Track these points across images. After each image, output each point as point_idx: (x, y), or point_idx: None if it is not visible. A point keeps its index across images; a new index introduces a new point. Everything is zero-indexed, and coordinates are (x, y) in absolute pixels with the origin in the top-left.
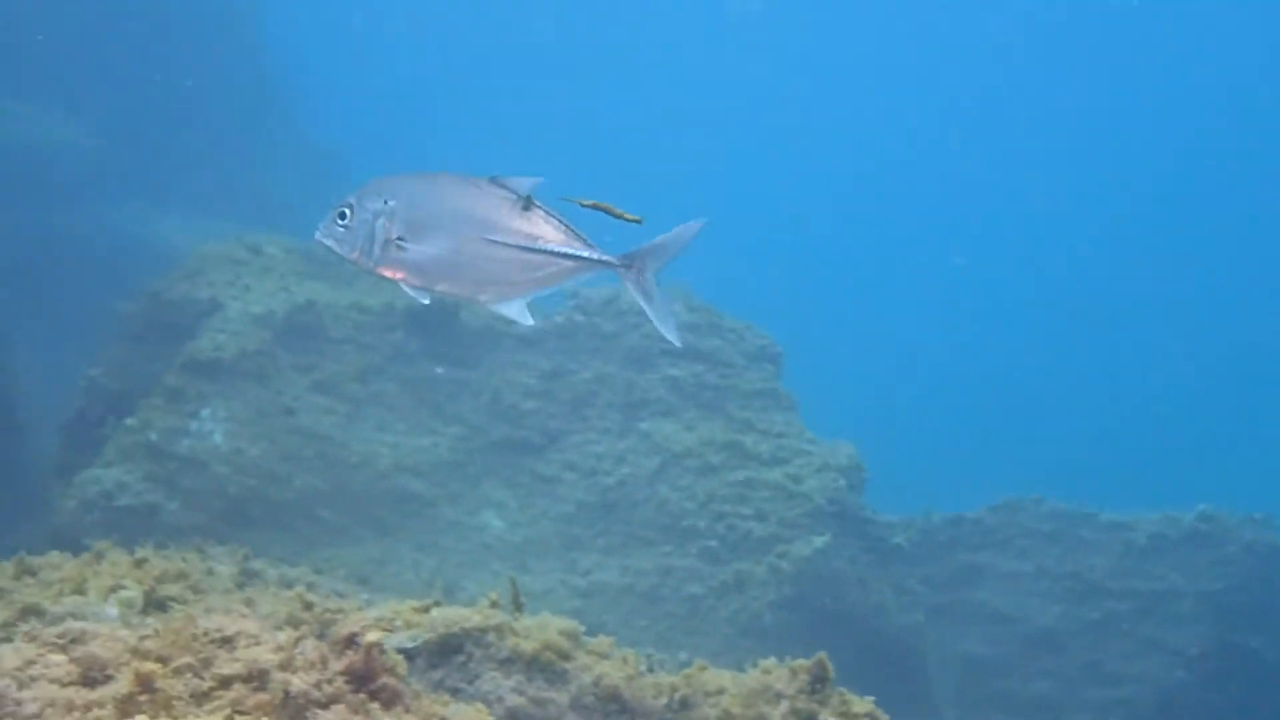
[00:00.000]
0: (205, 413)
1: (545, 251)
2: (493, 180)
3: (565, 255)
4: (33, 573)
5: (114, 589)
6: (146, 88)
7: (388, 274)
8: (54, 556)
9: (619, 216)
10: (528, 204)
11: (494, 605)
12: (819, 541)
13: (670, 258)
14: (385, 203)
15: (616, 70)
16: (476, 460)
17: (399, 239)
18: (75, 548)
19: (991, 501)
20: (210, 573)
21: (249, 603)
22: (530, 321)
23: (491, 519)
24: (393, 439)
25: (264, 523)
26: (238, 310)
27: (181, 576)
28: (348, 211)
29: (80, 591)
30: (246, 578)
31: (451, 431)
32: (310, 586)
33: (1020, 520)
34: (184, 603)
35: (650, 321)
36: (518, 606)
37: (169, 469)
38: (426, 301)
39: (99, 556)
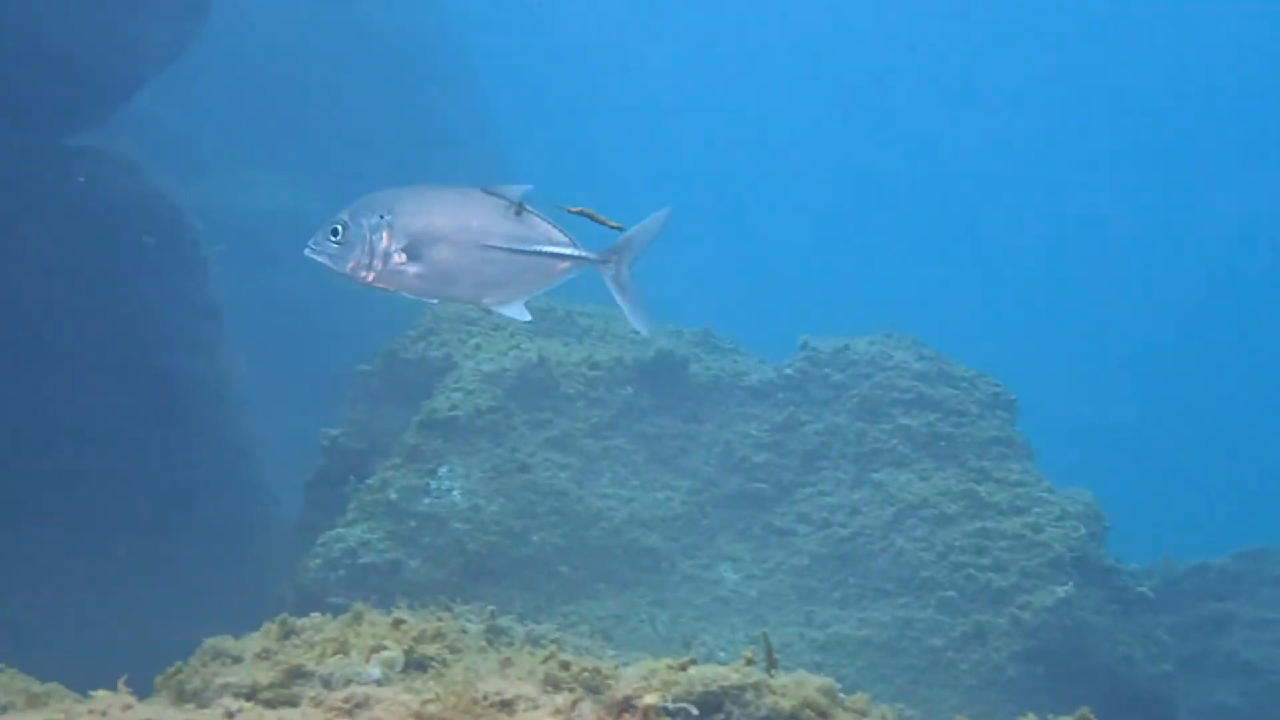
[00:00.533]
0: (443, 471)
1: (533, 253)
2: (484, 190)
3: (552, 255)
4: (296, 633)
5: (375, 649)
6: (364, 146)
7: (386, 285)
8: (316, 618)
9: (602, 223)
10: (520, 209)
11: (749, 662)
12: (1062, 591)
13: (644, 249)
14: (381, 216)
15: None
16: (710, 513)
17: (400, 250)
18: (321, 605)
19: (1227, 547)
20: (464, 631)
21: (506, 663)
22: (527, 318)
23: (726, 572)
24: (627, 493)
25: (503, 578)
26: (470, 369)
27: (439, 636)
28: (341, 227)
29: (343, 652)
30: (494, 635)
31: (684, 485)
32: (557, 643)
33: (1268, 568)
34: (442, 662)
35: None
36: (772, 663)
37: (409, 527)
38: (435, 302)
39: (358, 617)
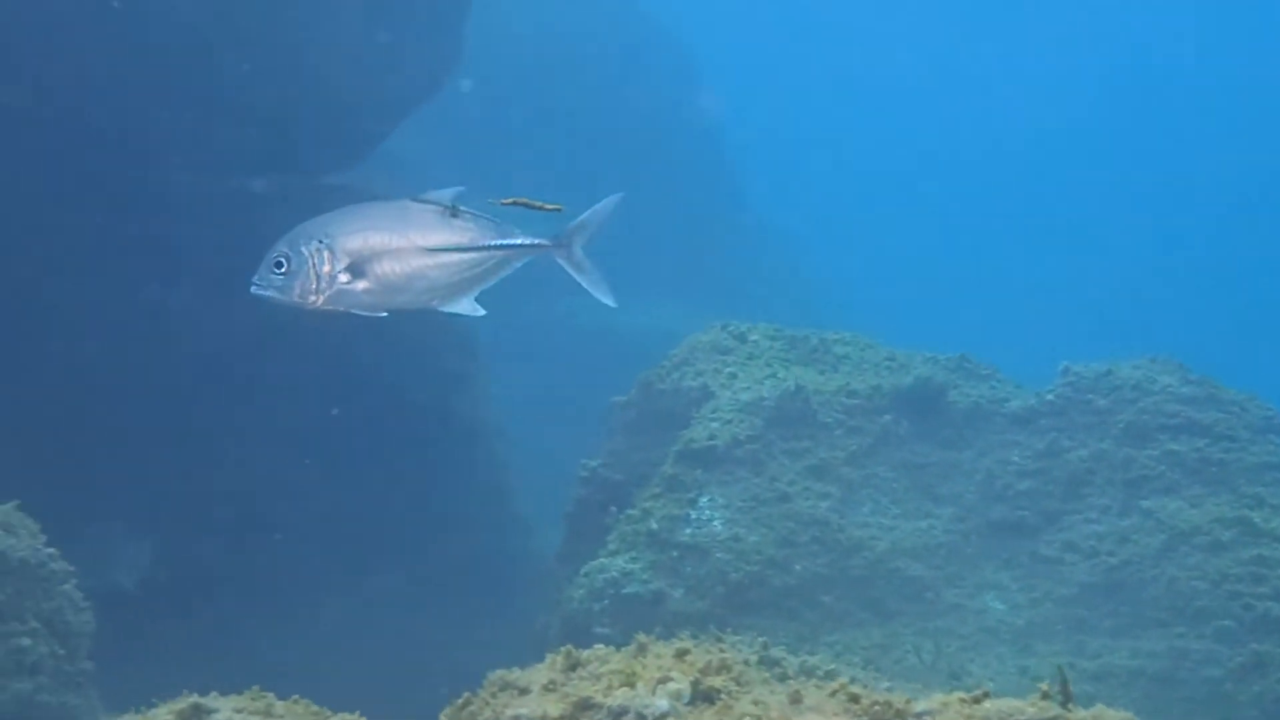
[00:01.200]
0: (703, 500)
1: (483, 248)
2: (414, 199)
3: (502, 247)
4: (581, 665)
5: (661, 681)
6: (616, 184)
7: (335, 307)
8: (599, 649)
9: (540, 208)
10: (454, 211)
11: (1045, 696)
12: None
13: (595, 231)
14: (319, 242)
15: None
16: (973, 542)
17: (343, 270)
18: (586, 636)
19: None
20: (746, 664)
21: (796, 696)
22: (481, 312)
23: (992, 601)
24: (888, 522)
25: (766, 609)
26: (728, 398)
27: (724, 668)
28: (283, 259)
29: (629, 684)
30: (768, 666)
31: (945, 513)
32: (829, 675)
33: None
34: (729, 695)
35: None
36: (1068, 697)
37: (671, 557)
38: (385, 314)
39: (642, 649)
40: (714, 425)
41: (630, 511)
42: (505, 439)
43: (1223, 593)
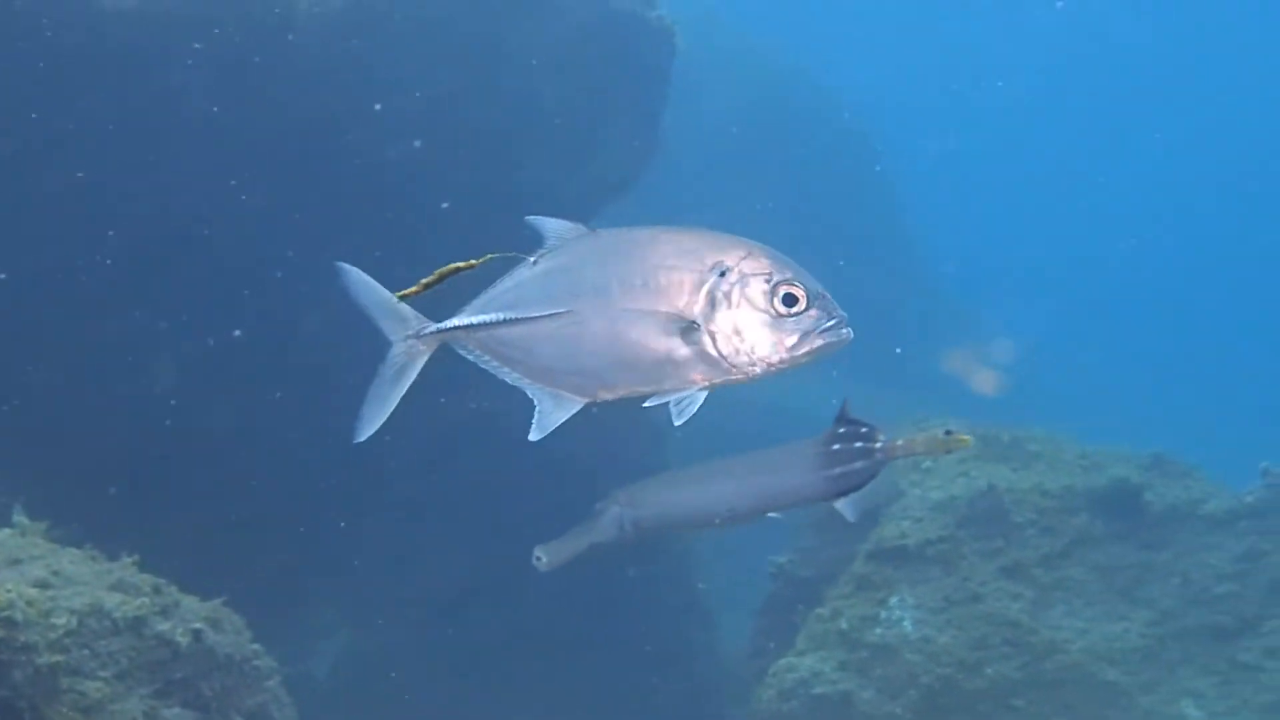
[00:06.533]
0: (894, 600)
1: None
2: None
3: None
4: None
5: None
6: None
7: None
8: None
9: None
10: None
11: None
12: None
13: None
14: None
15: None
16: (1170, 646)
17: None
18: None
19: None
20: None
21: None
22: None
23: (1189, 709)
24: (1082, 624)
25: (957, 711)
26: (918, 496)
27: None
28: None
29: None
30: None
31: (1141, 616)
32: None
33: None
34: None
35: None
36: None
37: (861, 657)
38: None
39: None
40: (905, 524)
41: (820, 610)
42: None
43: None
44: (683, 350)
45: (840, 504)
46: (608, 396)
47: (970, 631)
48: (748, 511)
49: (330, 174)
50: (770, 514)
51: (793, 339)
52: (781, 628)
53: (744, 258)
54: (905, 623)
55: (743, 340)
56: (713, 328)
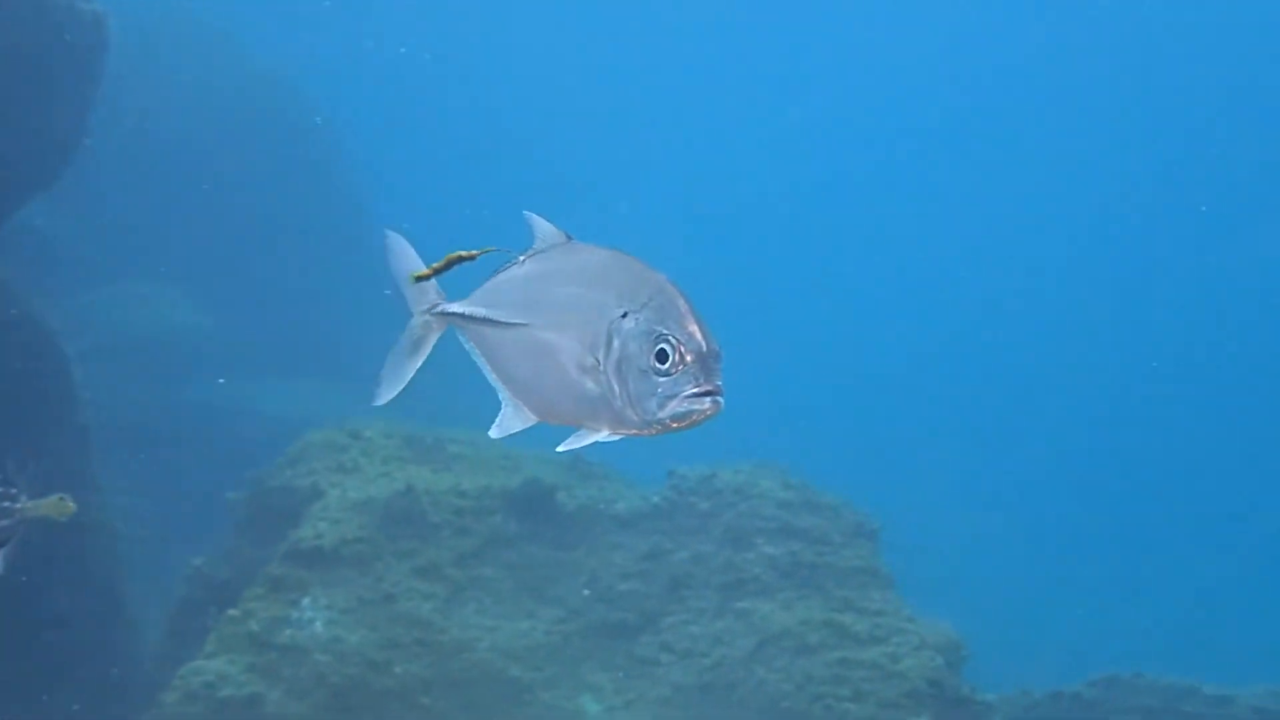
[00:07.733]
0: (306, 601)
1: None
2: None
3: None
4: None
5: None
6: (254, 265)
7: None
8: None
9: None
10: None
11: None
12: None
13: None
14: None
15: None
16: (574, 643)
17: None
18: None
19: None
20: None
21: None
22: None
23: (588, 703)
24: (491, 623)
25: (365, 711)
26: (337, 497)
27: None
28: None
29: None
30: None
31: (549, 614)
32: None
33: (1120, 696)
34: None
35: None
36: None
37: (270, 659)
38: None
39: None
40: (322, 525)
41: (231, 612)
42: (118, 537)
43: (807, 694)
44: (591, 387)
45: None
46: (552, 420)
47: (382, 631)
48: None
49: None
50: None
51: (657, 399)
52: (195, 630)
53: (646, 302)
54: (317, 624)
55: (626, 388)
56: (606, 369)
